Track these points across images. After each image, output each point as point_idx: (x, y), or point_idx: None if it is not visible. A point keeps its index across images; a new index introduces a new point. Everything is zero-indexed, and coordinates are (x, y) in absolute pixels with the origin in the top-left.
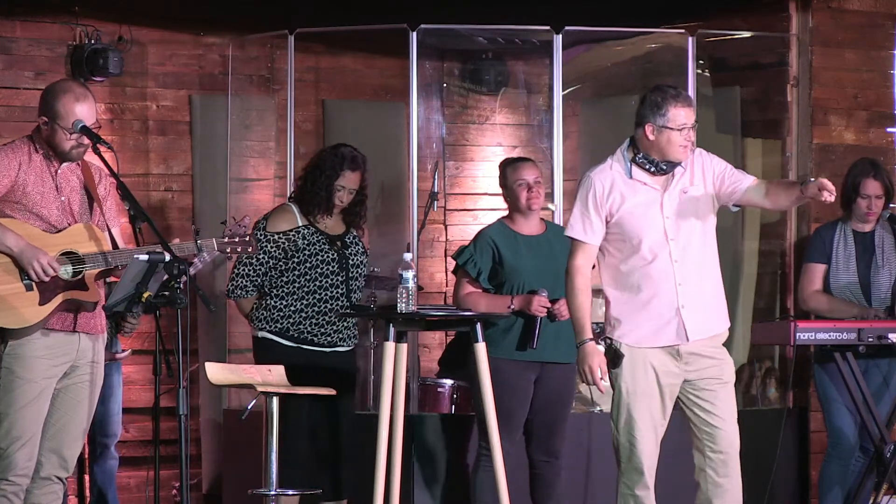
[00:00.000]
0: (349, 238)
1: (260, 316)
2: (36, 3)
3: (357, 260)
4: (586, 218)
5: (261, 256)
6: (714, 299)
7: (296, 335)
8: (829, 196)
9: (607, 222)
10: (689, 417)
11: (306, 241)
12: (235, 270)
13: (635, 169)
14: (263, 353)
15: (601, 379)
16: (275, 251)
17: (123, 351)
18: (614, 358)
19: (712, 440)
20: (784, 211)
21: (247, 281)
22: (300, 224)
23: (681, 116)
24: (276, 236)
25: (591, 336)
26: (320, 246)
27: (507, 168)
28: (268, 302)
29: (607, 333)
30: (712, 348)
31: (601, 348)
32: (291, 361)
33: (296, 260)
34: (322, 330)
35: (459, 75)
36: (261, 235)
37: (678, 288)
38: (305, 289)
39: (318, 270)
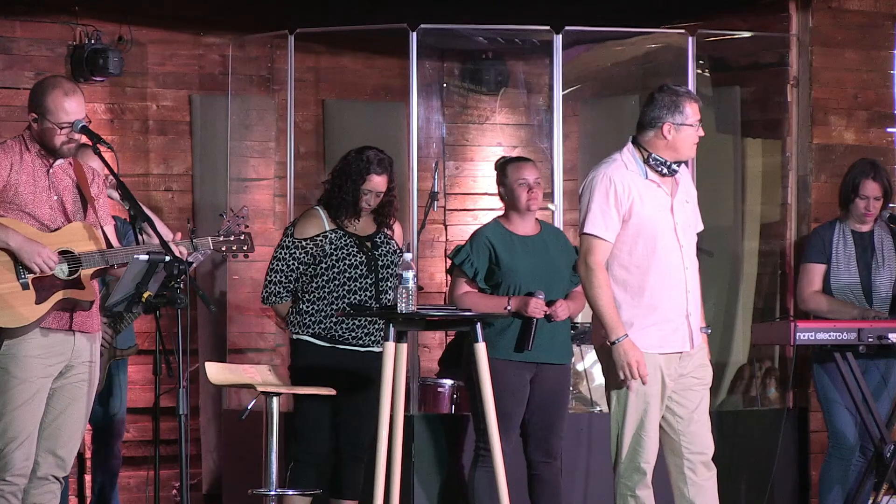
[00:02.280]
0: (379, 238)
1: (295, 321)
2: (36, 3)
3: (387, 260)
4: (607, 215)
5: (290, 262)
6: (700, 307)
7: (329, 337)
8: None
9: (623, 221)
10: (667, 419)
11: (334, 246)
12: (268, 277)
13: (648, 171)
14: (300, 355)
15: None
16: (304, 257)
17: (130, 348)
18: None
19: (690, 441)
20: (784, 211)
21: (280, 287)
22: (327, 228)
23: (695, 112)
24: (304, 242)
25: (626, 332)
26: (348, 250)
27: (508, 166)
28: (301, 307)
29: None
30: (702, 351)
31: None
32: (327, 362)
33: (324, 265)
34: (353, 334)
35: (459, 75)
36: (289, 242)
37: (687, 295)
38: (335, 293)
39: (347, 275)
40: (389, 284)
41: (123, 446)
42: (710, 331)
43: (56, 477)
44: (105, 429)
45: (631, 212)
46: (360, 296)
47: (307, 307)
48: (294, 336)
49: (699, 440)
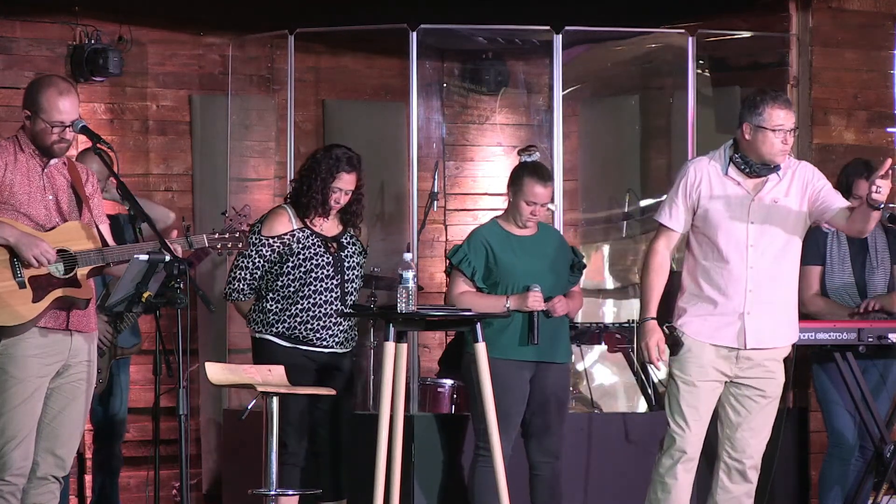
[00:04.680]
0: (345, 239)
1: (257, 318)
2: (36, 3)
3: (353, 262)
4: (673, 204)
5: (256, 260)
6: (784, 314)
7: (292, 337)
8: (880, 188)
9: (694, 213)
10: (719, 415)
11: (301, 245)
12: (232, 273)
13: (731, 167)
14: (262, 354)
15: (658, 359)
16: (270, 255)
17: (132, 347)
18: (673, 345)
19: (731, 445)
20: None
21: (243, 284)
22: (295, 227)
23: (777, 117)
24: (270, 240)
25: (654, 315)
26: (315, 249)
27: (526, 177)
28: (264, 305)
29: (672, 321)
30: (770, 360)
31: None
32: (289, 362)
33: (290, 264)
34: (317, 335)
35: (459, 75)
36: (255, 239)
37: (748, 294)
38: (300, 293)
39: (313, 274)
40: (354, 286)
41: (123, 446)
42: None
43: (55, 477)
44: (106, 429)
45: (698, 203)
46: (325, 296)
47: (271, 305)
48: (256, 335)
49: (741, 447)
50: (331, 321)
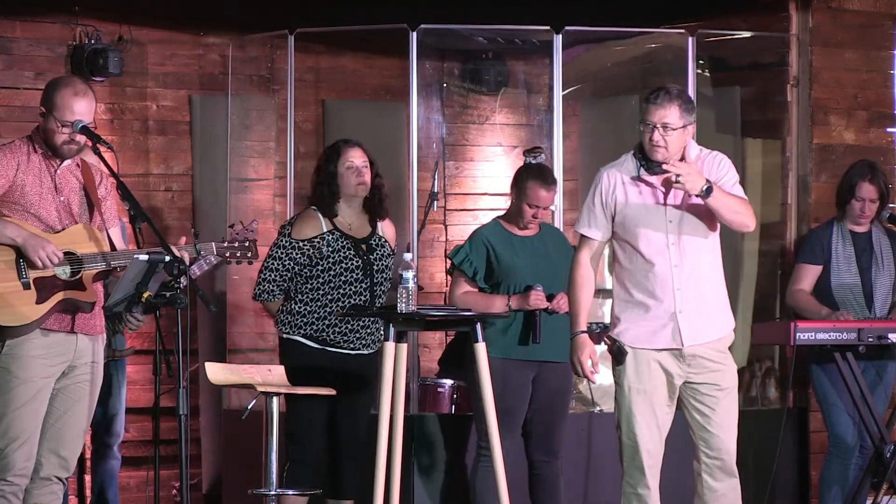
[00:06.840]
0: (375, 241)
1: (285, 320)
2: (36, 3)
3: (382, 264)
4: (591, 213)
5: (286, 262)
6: (715, 305)
7: (320, 339)
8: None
9: (613, 220)
10: (687, 421)
11: (331, 248)
12: (262, 275)
13: (641, 168)
14: (289, 355)
15: (592, 372)
16: (300, 258)
17: (127, 349)
18: (618, 355)
19: (707, 445)
20: (784, 211)
21: (273, 286)
22: (325, 230)
23: (645, 111)
24: (301, 243)
25: (584, 329)
26: (345, 252)
27: (529, 179)
28: (292, 307)
29: (611, 331)
30: (715, 353)
31: (601, 344)
32: (316, 363)
33: (320, 267)
34: (345, 337)
35: (459, 75)
36: (286, 242)
37: (676, 293)
38: (329, 296)
39: (343, 278)
40: (383, 288)
41: (123, 446)
42: None
43: (59, 477)
44: (104, 429)
45: (616, 209)
46: (354, 299)
47: (300, 307)
48: (284, 336)
49: (716, 445)
50: (359, 324)
